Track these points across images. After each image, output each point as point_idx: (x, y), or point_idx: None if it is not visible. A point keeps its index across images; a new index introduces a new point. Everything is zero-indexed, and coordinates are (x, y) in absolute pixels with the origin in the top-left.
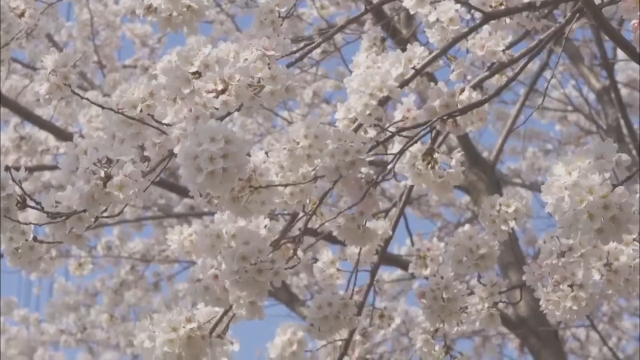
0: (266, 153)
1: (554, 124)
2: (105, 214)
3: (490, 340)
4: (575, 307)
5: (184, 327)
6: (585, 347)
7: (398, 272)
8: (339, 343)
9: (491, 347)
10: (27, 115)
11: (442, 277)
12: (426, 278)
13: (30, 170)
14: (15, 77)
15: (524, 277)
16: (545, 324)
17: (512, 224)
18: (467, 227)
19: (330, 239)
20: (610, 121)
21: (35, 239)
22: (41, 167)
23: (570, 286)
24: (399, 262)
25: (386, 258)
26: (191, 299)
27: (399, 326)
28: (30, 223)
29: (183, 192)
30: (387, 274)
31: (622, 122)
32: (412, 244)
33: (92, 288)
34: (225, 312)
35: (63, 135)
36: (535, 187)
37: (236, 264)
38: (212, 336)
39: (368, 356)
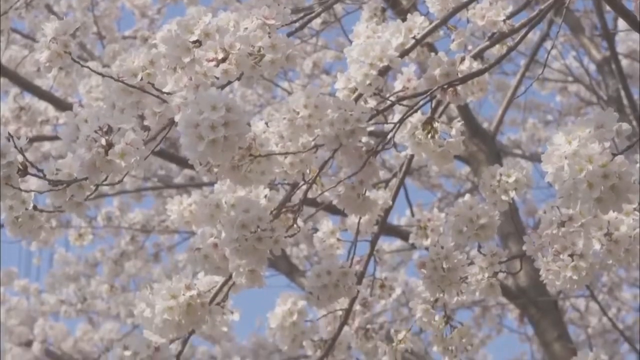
0: (266, 123)
1: (554, 94)
2: (105, 183)
3: (489, 311)
4: (575, 277)
5: (183, 294)
6: (585, 317)
7: (398, 243)
8: (339, 313)
9: (491, 318)
10: (27, 86)
11: (442, 247)
12: (426, 249)
13: (30, 140)
14: (14, 48)
15: (524, 247)
16: (545, 294)
17: (513, 194)
18: (467, 197)
19: (330, 209)
20: (610, 92)
21: (35, 208)
22: (41, 138)
23: (571, 256)
24: (399, 233)
25: (386, 228)
26: (191, 270)
27: (399, 297)
28: (30, 190)
29: (183, 162)
30: (387, 244)
31: (622, 93)
32: (412, 214)
33: (92, 258)
34: (225, 281)
35: (63, 105)
36: (535, 158)
37: (236, 232)
38: (212, 304)
39: (368, 326)
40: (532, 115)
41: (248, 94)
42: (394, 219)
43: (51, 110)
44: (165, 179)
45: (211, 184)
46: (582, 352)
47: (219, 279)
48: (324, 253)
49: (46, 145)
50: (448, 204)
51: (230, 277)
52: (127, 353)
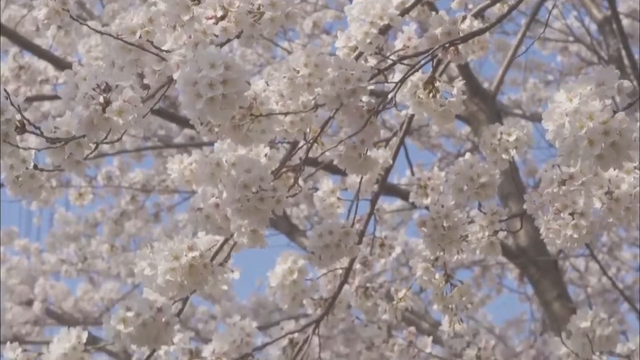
0: (266, 82)
1: (555, 54)
2: (104, 141)
3: (489, 271)
4: (575, 235)
5: (186, 255)
6: (585, 277)
7: (398, 203)
8: (340, 271)
9: (490, 277)
10: (26, 45)
11: (442, 206)
12: (426, 208)
13: (30, 100)
14: (14, 7)
15: (524, 206)
16: (545, 253)
17: (513, 152)
18: (467, 155)
19: (330, 169)
20: (611, 52)
21: (35, 167)
22: (40, 97)
23: (571, 214)
24: (399, 192)
25: (386, 187)
26: (192, 229)
27: (399, 256)
28: (29, 148)
29: (183, 122)
30: (387, 204)
31: (623, 52)
32: (413, 174)
33: (93, 218)
34: (226, 241)
35: (62, 64)
36: (535, 118)
37: (238, 192)
38: (214, 264)
39: (368, 284)
40: (532, 75)
41: (248, 53)
42: (394, 179)
43: (51, 70)
44: (165, 139)
45: (211, 143)
46: (581, 310)
47: (219, 238)
48: (324, 212)
49: (46, 105)
50: (448, 164)
51: (231, 236)
52: (130, 314)
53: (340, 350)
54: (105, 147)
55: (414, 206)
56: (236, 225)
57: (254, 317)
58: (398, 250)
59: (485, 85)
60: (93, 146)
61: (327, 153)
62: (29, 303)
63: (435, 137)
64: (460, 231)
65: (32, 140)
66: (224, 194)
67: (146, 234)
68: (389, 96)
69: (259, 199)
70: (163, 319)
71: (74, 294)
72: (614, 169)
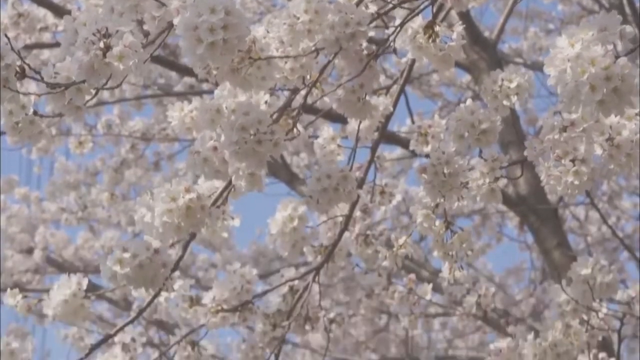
0: (266, 30)
1: (556, 3)
2: (105, 87)
3: (489, 219)
4: (576, 182)
5: (182, 197)
6: (585, 226)
7: (398, 152)
8: (340, 219)
9: (490, 226)
10: None
11: (443, 153)
12: (427, 156)
13: (29, 47)
14: None
15: (525, 153)
16: (545, 202)
17: (514, 99)
18: (468, 102)
19: (330, 117)
20: (612, 0)
21: (35, 113)
22: (40, 45)
23: (572, 161)
24: (400, 141)
25: (386, 135)
26: (192, 177)
27: (399, 205)
28: (29, 94)
29: (183, 70)
30: (388, 153)
31: (624, 0)
32: (413, 122)
33: (93, 167)
34: (225, 187)
35: (62, 12)
36: (536, 67)
37: (235, 134)
38: (212, 208)
39: (368, 232)
40: (533, 24)
41: (248, 1)
42: (395, 128)
43: (50, 17)
44: (165, 87)
45: (211, 92)
46: (582, 257)
47: (220, 185)
48: (324, 159)
49: (45, 53)
50: (449, 113)
51: (230, 182)
52: (126, 255)
53: (340, 299)
54: (105, 95)
55: (414, 154)
56: (234, 168)
57: (254, 266)
58: (398, 198)
59: (486, 34)
60: (93, 92)
61: (326, 98)
62: (30, 251)
63: (436, 86)
64: (460, 178)
65: (32, 87)
66: (222, 137)
67: (146, 182)
68: (389, 41)
69: (256, 142)
70: (160, 261)
71: (74, 242)
72: (615, 115)
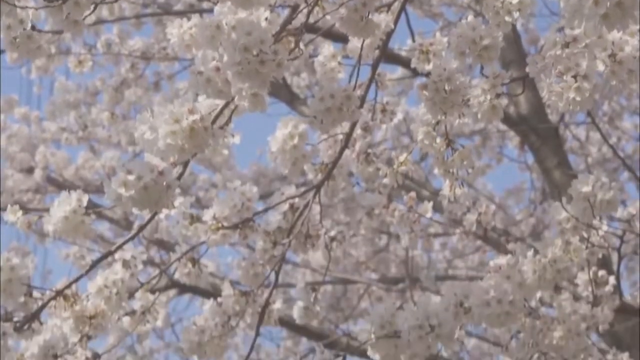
0: None
1: None
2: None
3: (490, 140)
4: (578, 98)
5: (186, 118)
6: (585, 147)
7: (399, 73)
8: (340, 137)
9: (491, 147)
10: None
11: (444, 69)
12: (428, 74)
13: None
14: None
15: (527, 69)
16: (546, 121)
17: (516, 15)
18: (470, 18)
19: (332, 36)
20: None
21: (33, 28)
22: None
23: (574, 77)
24: (401, 60)
25: (388, 54)
26: (192, 97)
27: (400, 125)
28: (26, 7)
29: None
30: (389, 73)
31: None
32: (414, 41)
33: (93, 87)
34: (227, 105)
35: None
36: None
37: (238, 55)
38: (214, 128)
39: (369, 150)
40: None
41: None
42: (395, 49)
43: None
44: (164, 6)
45: (211, 10)
46: (582, 174)
47: (220, 102)
48: (325, 77)
49: None
50: (449, 33)
51: (232, 100)
52: (131, 177)
53: (341, 219)
54: (104, 14)
55: (415, 73)
56: (237, 88)
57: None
58: (399, 117)
59: None
60: (92, 7)
61: (328, 17)
62: (30, 171)
63: (437, 6)
64: (462, 94)
65: (30, 1)
66: (225, 57)
67: (147, 102)
68: None
69: (259, 62)
70: (164, 182)
71: (74, 161)
72: (618, 30)
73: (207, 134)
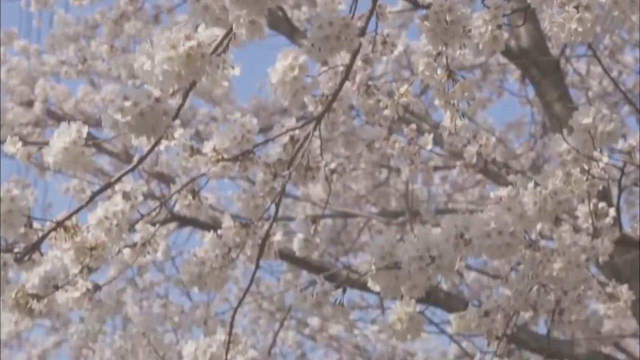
0: None
1: None
2: None
3: (490, 73)
4: (580, 29)
5: (183, 44)
6: (586, 80)
7: (400, 6)
8: (341, 68)
9: (491, 80)
10: None
11: (445, 0)
12: (429, 6)
13: None
14: None
15: (528, 0)
16: (547, 54)
17: None
18: None
19: None
20: None
21: None
22: None
23: (576, 7)
24: None
25: None
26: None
27: (400, 58)
28: None
29: None
30: (389, 6)
31: None
32: None
33: (92, 20)
34: (226, 35)
35: None
36: None
37: None
38: (212, 56)
39: (370, 82)
40: None
41: None
42: None
43: None
44: None
45: None
46: (583, 107)
47: (220, 33)
48: (325, 9)
49: None
50: None
51: (231, 30)
52: (128, 103)
53: (341, 153)
54: None
55: (416, 5)
56: (234, 15)
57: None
58: (400, 49)
59: None
60: None
61: None
62: (30, 104)
63: None
64: (463, 25)
65: None
66: None
67: (146, 35)
68: None
69: None
70: (161, 109)
71: (74, 95)
72: None
73: (204, 60)
